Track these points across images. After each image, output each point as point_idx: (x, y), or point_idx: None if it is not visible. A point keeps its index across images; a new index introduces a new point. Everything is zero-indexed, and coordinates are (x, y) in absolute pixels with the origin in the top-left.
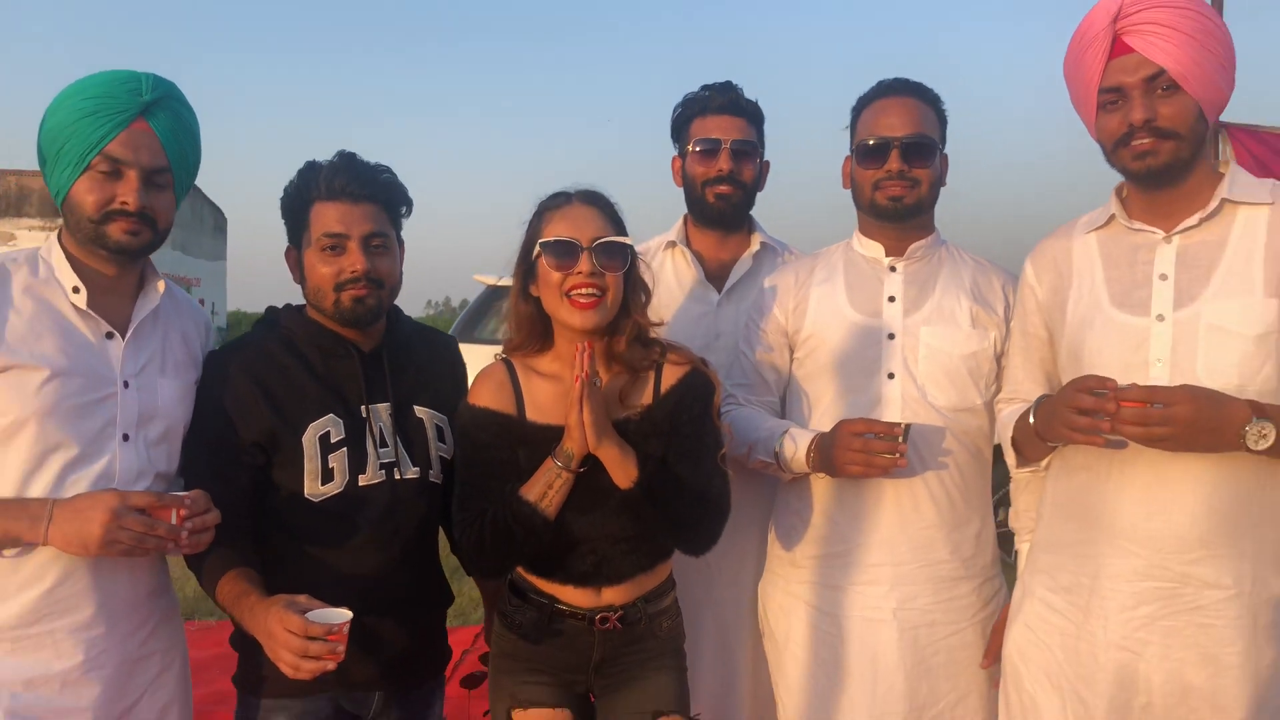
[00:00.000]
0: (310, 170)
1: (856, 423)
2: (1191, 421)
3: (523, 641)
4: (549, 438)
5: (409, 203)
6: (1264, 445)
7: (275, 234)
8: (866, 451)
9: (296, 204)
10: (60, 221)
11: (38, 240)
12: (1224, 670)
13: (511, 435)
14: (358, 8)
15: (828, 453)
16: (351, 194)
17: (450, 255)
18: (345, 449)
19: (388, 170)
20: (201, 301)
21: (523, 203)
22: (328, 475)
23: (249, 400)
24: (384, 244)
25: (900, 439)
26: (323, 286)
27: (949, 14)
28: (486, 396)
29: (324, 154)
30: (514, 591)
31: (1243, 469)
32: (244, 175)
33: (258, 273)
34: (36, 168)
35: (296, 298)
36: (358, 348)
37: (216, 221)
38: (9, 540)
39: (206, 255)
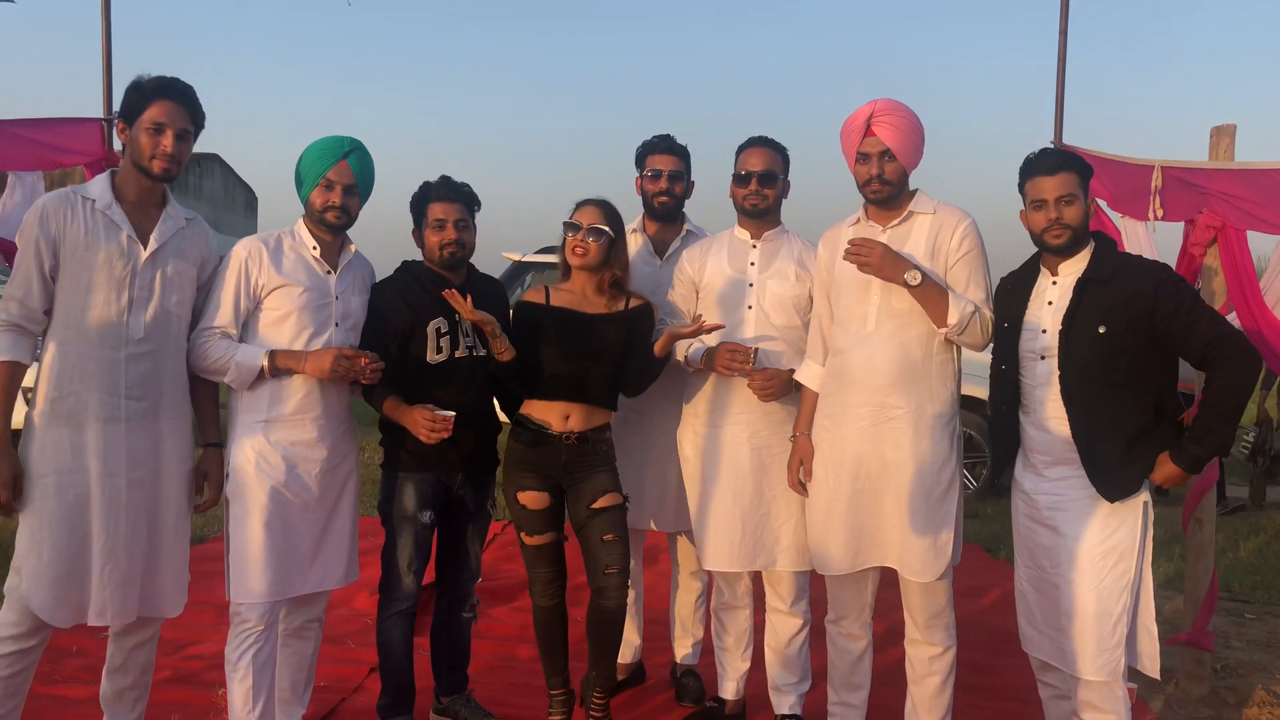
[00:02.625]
0: (426, 185)
1: (730, 344)
2: (881, 256)
3: (524, 451)
4: (562, 313)
5: (479, 203)
6: (914, 282)
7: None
8: (733, 362)
9: (419, 203)
10: None
11: None
12: (902, 450)
13: (538, 312)
14: None
15: (712, 360)
16: (448, 198)
17: (481, 235)
18: (448, 336)
19: (467, 185)
20: None
21: (541, 193)
22: (439, 350)
23: (399, 307)
24: (465, 225)
25: (752, 355)
26: (432, 247)
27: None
28: (529, 296)
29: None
30: (518, 423)
31: (912, 350)
32: (273, 157)
33: None
34: None
35: None
36: (451, 283)
37: (248, 200)
38: (286, 370)
39: (238, 233)
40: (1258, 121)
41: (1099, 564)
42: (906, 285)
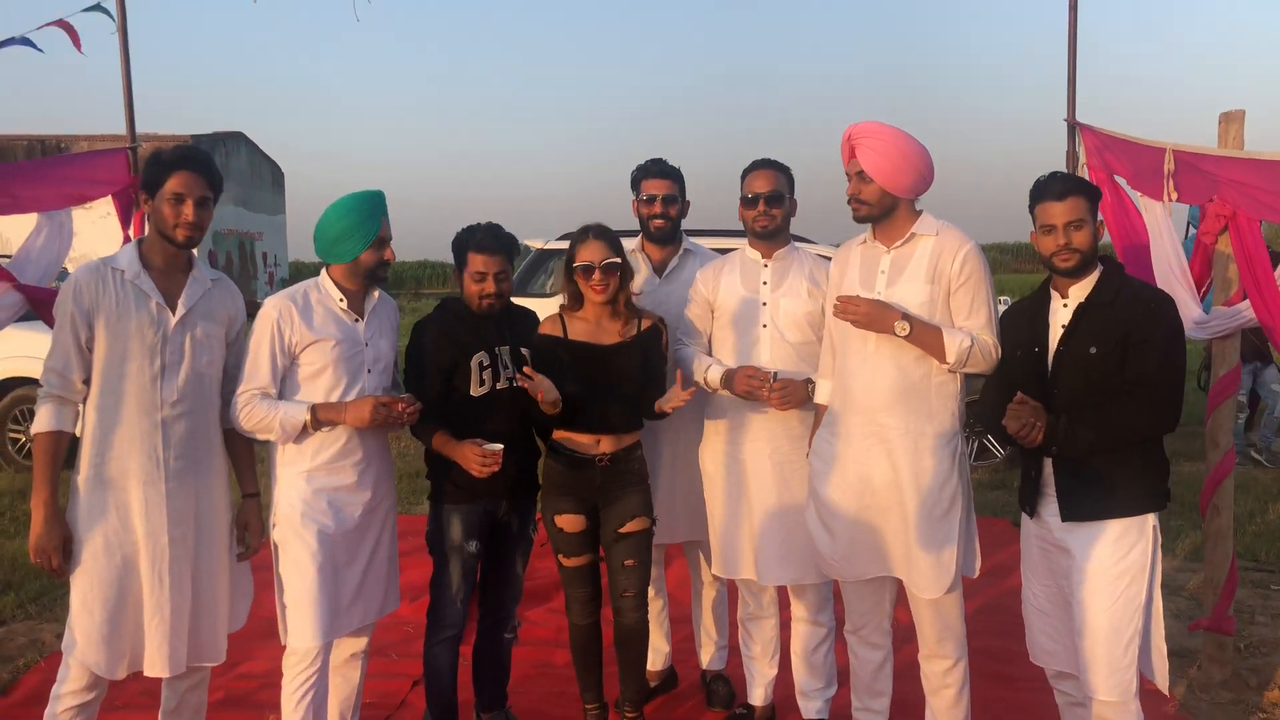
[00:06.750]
0: (469, 231)
1: (749, 368)
2: (867, 313)
3: (561, 474)
4: (579, 346)
5: (520, 249)
6: (902, 333)
7: (330, 189)
8: (751, 386)
9: (460, 248)
10: None
11: None
12: (900, 469)
13: (558, 346)
14: None
15: (730, 382)
16: (490, 249)
17: (505, 223)
18: (489, 370)
19: (510, 236)
20: (264, 255)
21: (560, 182)
22: (481, 383)
23: (443, 344)
24: (506, 275)
25: (772, 379)
26: (471, 296)
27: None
28: (546, 330)
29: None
30: (552, 449)
31: (911, 371)
32: (300, 133)
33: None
34: None
35: None
36: (490, 318)
37: (274, 177)
38: (328, 421)
39: (266, 210)
40: (1267, 107)
41: (1111, 586)
42: (896, 335)
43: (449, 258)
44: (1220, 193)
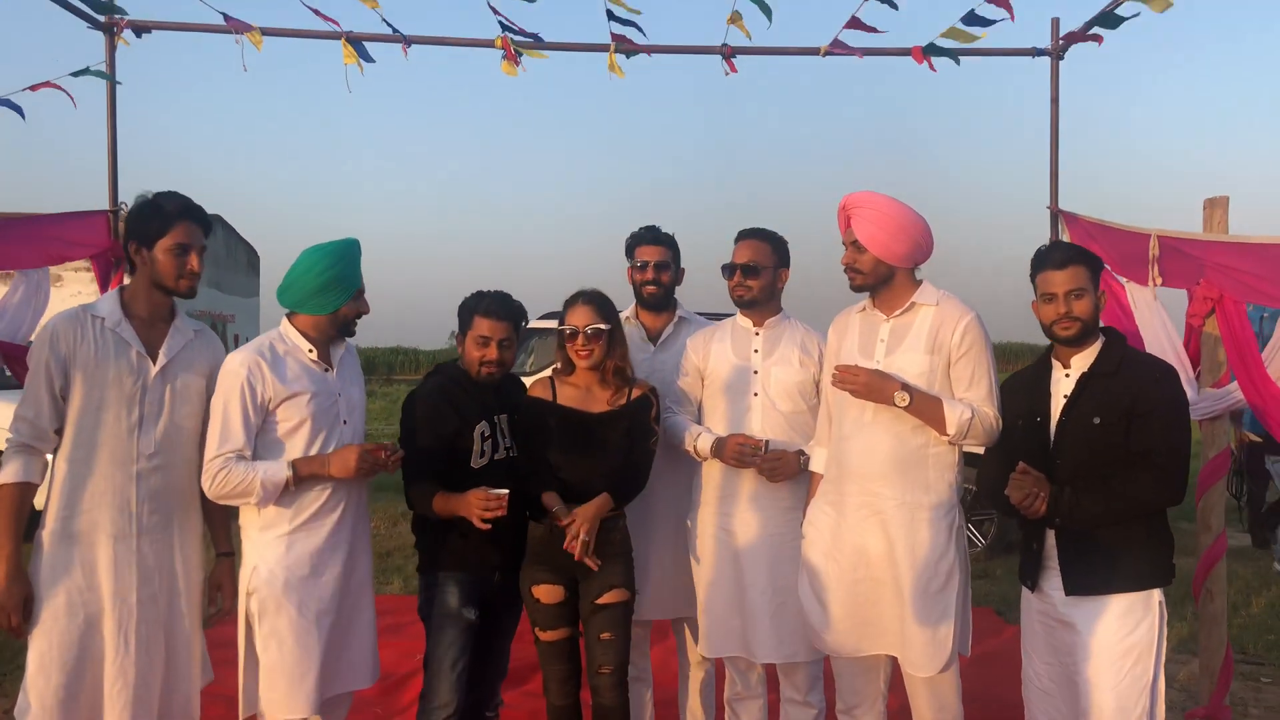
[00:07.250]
0: (478, 296)
1: (740, 436)
2: (867, 383)
3: (540, 543)
4: (567, 413)
5: (526, 318)
6: (902, 403)
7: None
8: (742, 454)
9: (467, 312)
10: None
11: None
12: (895, 541)
13: (546, 410)
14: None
15: (721, 450)
16: (497, 315)
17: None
18: (489, 440)
19: (520, 305)
20: (236, 337)
21: (542, 255)
22: (482, 454)
23: (445, 411)
24: (509, 344)
25: (763, 448)
26: (472, 361)
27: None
28: (537, 391)
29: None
30: (532, 517)
31: (909, 441)
32: (275, 215)
33: None
34: None
35: None
36: (490, 386)
37: (250, 259)
38: (310, 475)
39: (240, 292)
40: (1248, 192)
41: (1118, 663)
42: (896, 405)
43: (422, 344)
44: (1206, 276)
